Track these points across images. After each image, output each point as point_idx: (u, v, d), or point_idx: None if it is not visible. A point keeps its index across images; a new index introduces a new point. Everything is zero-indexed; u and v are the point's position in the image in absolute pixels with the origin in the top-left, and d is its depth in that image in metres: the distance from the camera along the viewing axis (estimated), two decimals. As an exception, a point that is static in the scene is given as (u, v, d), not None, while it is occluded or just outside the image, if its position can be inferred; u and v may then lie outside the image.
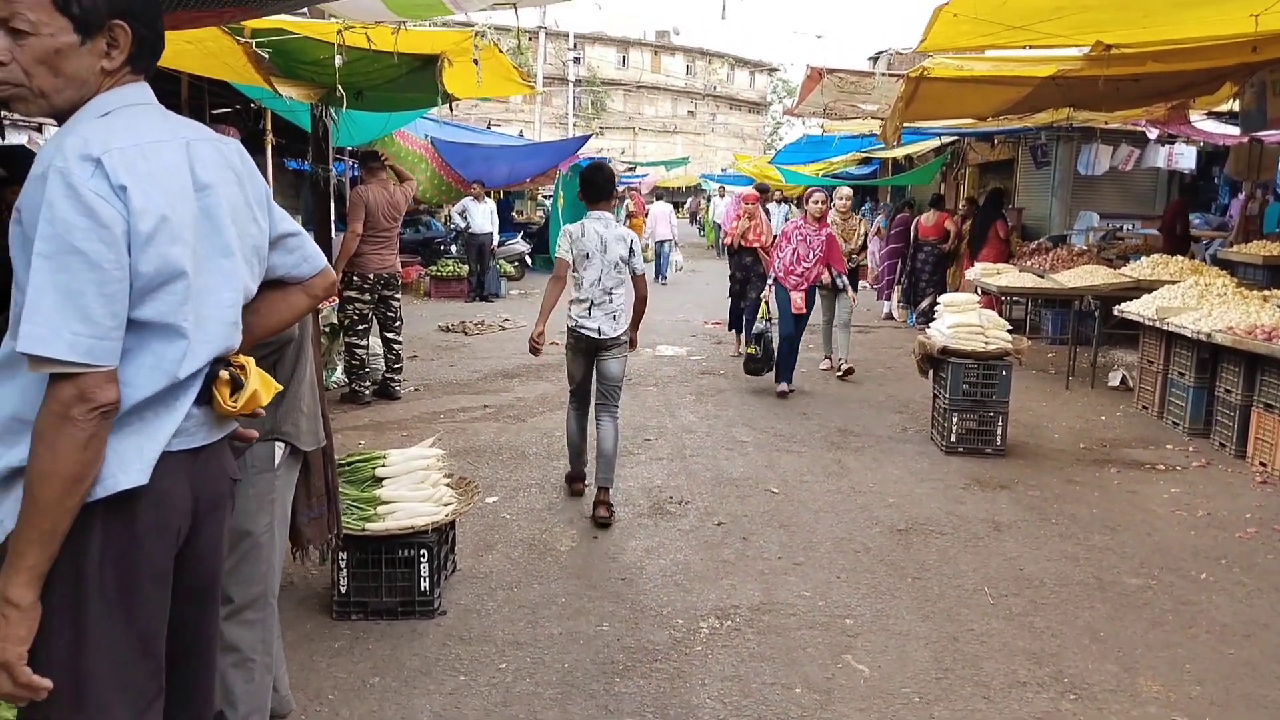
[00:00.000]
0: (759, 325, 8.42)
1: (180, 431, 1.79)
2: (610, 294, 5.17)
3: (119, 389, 1.65)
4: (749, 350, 8.49)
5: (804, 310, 8.37)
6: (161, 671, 1.82)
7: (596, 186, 5.22)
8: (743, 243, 9.80)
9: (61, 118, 1.74)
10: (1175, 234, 11.54)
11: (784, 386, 8.43)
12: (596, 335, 5.17)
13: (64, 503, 1.60)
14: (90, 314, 1.58)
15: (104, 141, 1.64)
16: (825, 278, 8.83)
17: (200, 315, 1.77)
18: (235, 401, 1.87)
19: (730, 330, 10.70)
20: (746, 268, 9.82)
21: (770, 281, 8.56)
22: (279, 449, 2.74)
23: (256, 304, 1.98)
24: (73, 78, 1.70)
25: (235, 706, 2.64)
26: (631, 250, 5.21)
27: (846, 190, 10.38)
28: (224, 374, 1.85)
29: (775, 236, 16.03)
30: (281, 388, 2.11)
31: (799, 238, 8.46)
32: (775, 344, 8.54)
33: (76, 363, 1.58)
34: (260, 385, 1.91)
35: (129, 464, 1.70)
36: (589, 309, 5.16)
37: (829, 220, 9.31)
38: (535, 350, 5.18)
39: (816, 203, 8.57)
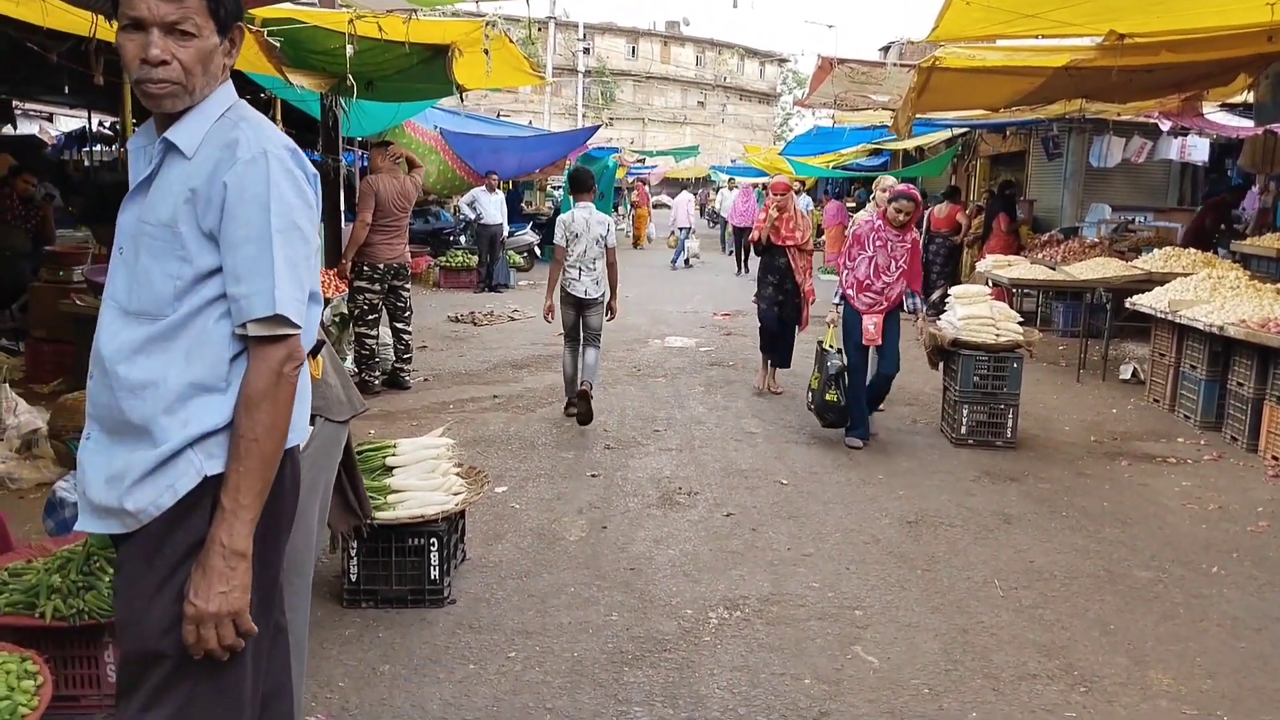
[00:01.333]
0: (833, 361, 6.44)
1: None
2: (594, 264, 6.91)
3: None
4: (829, 396, 6.36)
5: (878, 341, 6.38)
6: (272, 624, 2.01)
7: (581, 182, 7.15)
8: (773, 239, 7.84)
9: (179, 112, 1.87)
10: (1204, 231, 11.45)
11: (857, 441, 6.46)
12: (583, 295, 6.92)
13: (279, 454, 1.81)
14: (304, 281, 1.84)
15: (282, 135, 1.89)
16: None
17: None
18: (316, 369, 2.16)
19: (767, 362, 8.21)
20: (781, 271, 7.86)
21: (837, 298, 6.59)
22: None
23: None
24: (214, 75, 1.89)
25: None
26: (608, 230, 6.99)
27: (890, 181, 7.94)
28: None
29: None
30: None
31: (877, 243, 6.37)
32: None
33: (297, 324, 1.81)
34: None
35: (294, 423, 1.90)
36: (579, 274, 6.88)
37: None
38: (547, 318, 7.04)
39: (901, 211, 6.31)
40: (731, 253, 22.10)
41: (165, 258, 1.79)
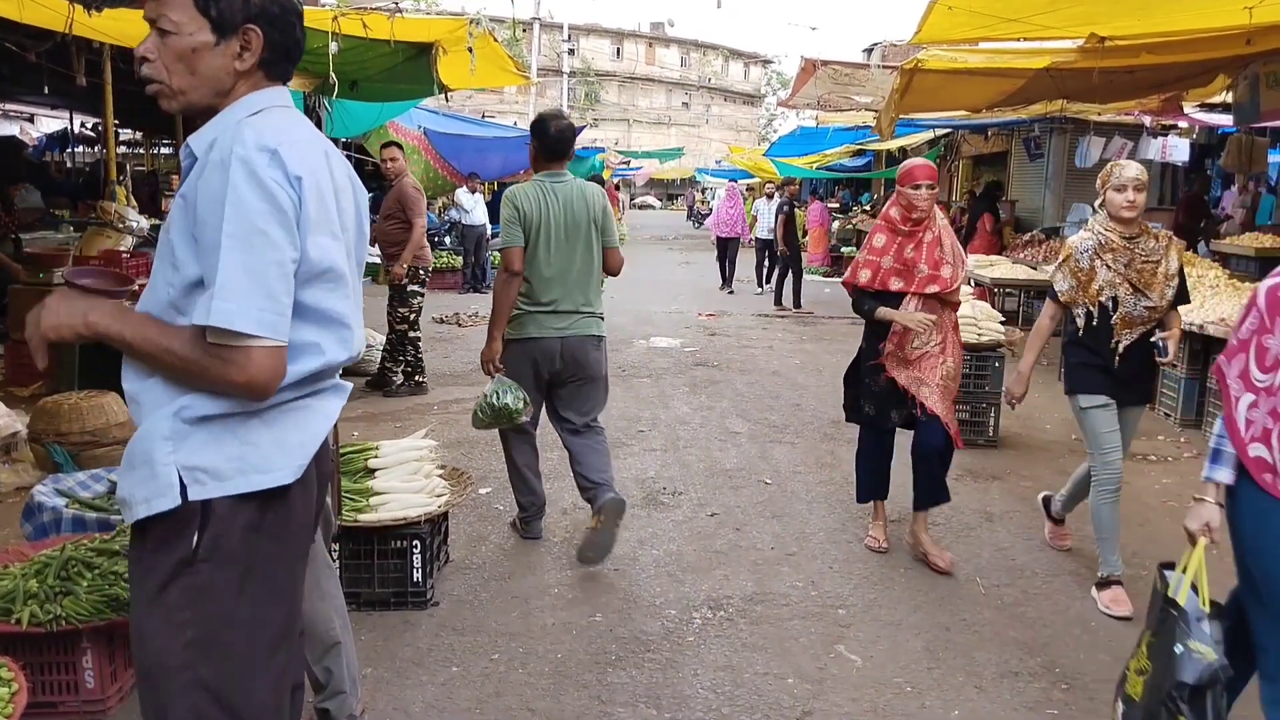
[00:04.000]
0: (1194, 650, 2.44)
1: None
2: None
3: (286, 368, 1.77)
4: None
5: None
6: (299, 651, 1.98)
7: (594, 180, 8.37)
8: (898, 284, 4.34)
9: (202, 116, 1.87)
10: (1182, 228, 11.61)
11: None
12: None
13: (153, 359, 1.76)
14: (274, 290, 1.70)
15: (276, 135, 1.75)
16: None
17: (357, 305, 1.94)
18: None
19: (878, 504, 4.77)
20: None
21: (1218, 470, 2.53)
22: None
23: None
24: (207, 77, 1.82)
25: None
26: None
27: (1135, 170, 4.05)
28: None
29: (768, 239, 15.20)
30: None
31: None
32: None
33: (260, 336, 1.69)
34: None
35: (294, 456, 1.84)
36: None
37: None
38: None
39: None
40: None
41: (163, 263, 1.79)
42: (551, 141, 4.41)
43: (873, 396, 4.51)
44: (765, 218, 15.46)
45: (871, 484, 4.71)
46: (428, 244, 7.84)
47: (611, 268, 4.54)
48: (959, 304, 4.50)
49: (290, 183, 1.73)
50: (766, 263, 15.93)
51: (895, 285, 4.34)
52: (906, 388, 4.36)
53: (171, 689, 1.78)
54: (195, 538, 1.75)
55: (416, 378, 7.86)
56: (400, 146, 7.89)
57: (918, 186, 4.30)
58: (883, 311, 4.35)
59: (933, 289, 4.30)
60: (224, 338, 1.68)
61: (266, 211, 1.70)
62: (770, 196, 15.90)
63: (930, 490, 4.49)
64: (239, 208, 1.68)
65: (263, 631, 1.83)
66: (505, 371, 4.32)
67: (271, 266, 1.70)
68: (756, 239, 16.27)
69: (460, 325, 11.77)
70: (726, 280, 16.39)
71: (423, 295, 7.74)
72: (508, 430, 4.50)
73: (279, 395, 1.79)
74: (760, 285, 16.06)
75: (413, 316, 7.69)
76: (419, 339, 7.89)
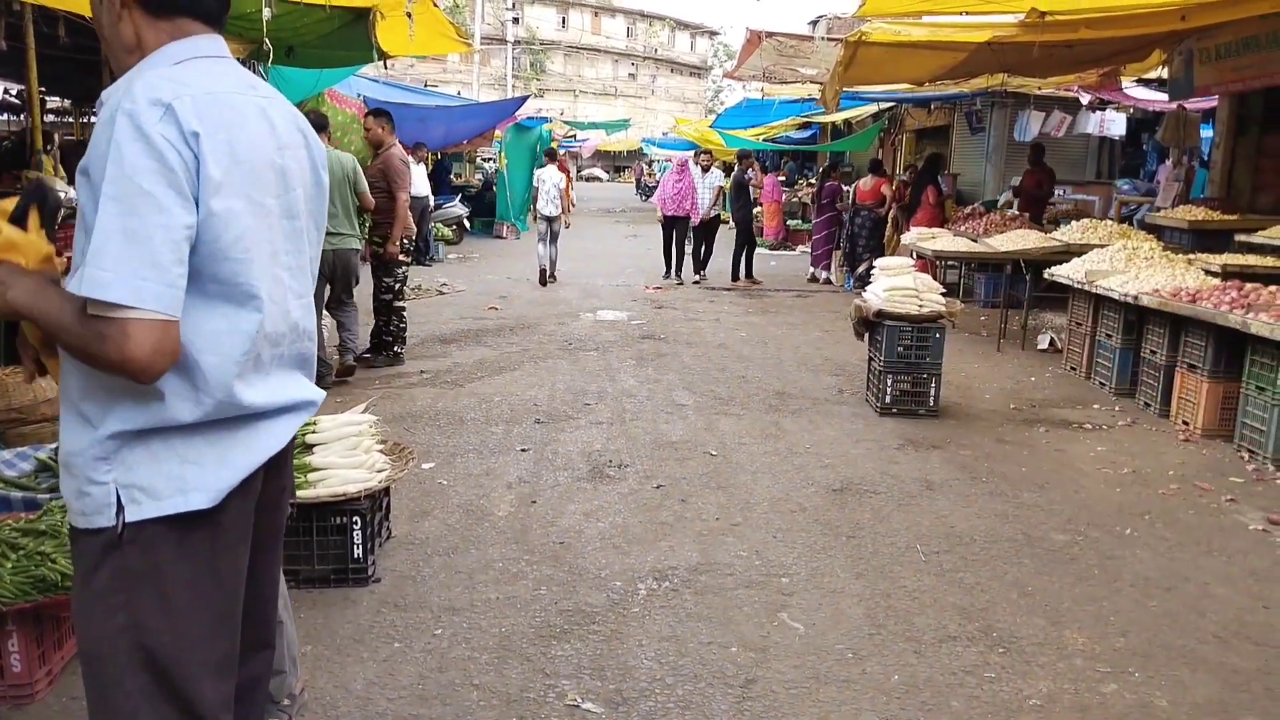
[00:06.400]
0: None
1: None
2: (554, 199, 13.16)
3: (181, 343, 1.63)
4: None
5: None
6: (238, 632, 1.87)
7: (550, 154, 13.36)
8: None
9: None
10: (1034, 200, 12.09)
11: None
12: (549, 214, 13.13)
13: (55, 336, 1.64)
14: (159, 259, 1.55)
15: (175, 88, 1.62)
16: None
17: (275, 278, 1.79)
18: None
19: None
20: None
21: None
22: None
23: None
24: (114, 34, 1.76)
25: None
26: (560, 180, 13.15)
27: None
28: None
29: (719, 210, 14.37)
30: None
31: None
32: None
33: (138, 307, 1.54)
34: None
35: (235, 473, 1.74)
36: (545, 204, 13.19)
37: None
38: (532, 219, 13.93)
39: None
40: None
41: (80, 230, 1.63)
42: (312, 124, 6.31)
43: None
44: (701, 194, 13.66)
45: None
46: (410, 214, 8.18)
47: (366, 206, 7.19)
48: None
49: (185, 140, 1.59)
50: (703, 246, 13.97)
51: None
52: None
53: (111, 673, 1.71)
54: (119, 521, 1.67)
55: (395, 348, 7.97)
56: (388, 115, 7.91)
57: None
58: None
59: None
60: (100, 309, 1.54)
61: (153, 171, 1.55)
62: (706, 169, 13.75)
63: None
64: (121, 166, 1.54)
65: (200, 615, 1.75)
66: None
67: (157, 231, 1.55)
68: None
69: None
70: (672, 267, 14.06)
71: (408, 264, 8.11)
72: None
73: (233, 405, 1.70)
74: (696, 273, 13.97)
75: (398, 286, 7.91)
76: (404, 309, 8.05)
